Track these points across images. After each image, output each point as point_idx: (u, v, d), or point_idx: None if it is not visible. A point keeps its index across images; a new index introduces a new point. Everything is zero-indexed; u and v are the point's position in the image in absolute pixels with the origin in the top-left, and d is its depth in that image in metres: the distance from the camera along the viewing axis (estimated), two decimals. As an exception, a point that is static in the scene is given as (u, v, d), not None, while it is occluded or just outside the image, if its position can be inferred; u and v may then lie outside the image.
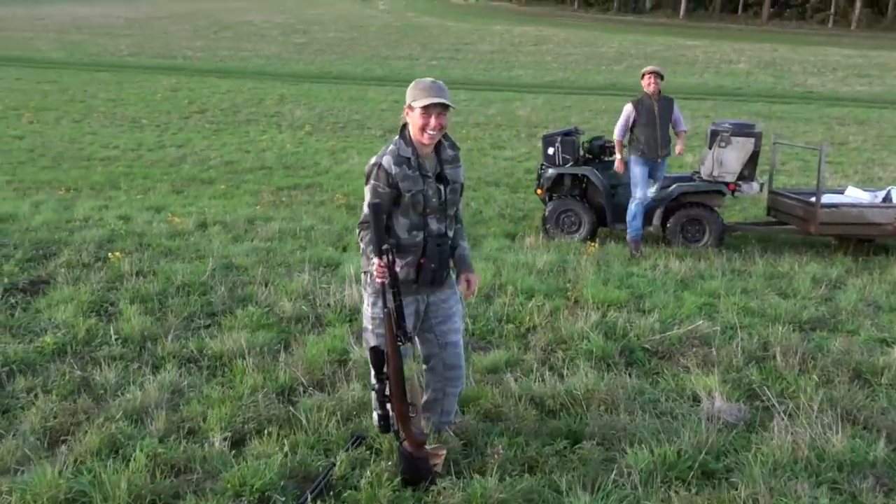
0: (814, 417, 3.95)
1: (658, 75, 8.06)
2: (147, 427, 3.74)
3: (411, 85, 3.43)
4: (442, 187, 3.47)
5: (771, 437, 3.79)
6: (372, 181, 3.42)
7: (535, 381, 4.38)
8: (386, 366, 3.21)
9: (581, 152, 8.88)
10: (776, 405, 4.05)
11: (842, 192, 9.19)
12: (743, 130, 8.54)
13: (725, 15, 71.76)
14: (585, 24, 61.07)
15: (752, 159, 8.51)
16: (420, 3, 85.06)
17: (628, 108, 8.13)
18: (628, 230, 8.15)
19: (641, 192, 8.11)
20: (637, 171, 8.08)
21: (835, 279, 6.95)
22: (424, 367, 3.74)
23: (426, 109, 3.36)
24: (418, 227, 3.45)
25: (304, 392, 4.21)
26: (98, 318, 5.18)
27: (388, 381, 3.21)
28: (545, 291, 6.09)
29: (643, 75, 8.12)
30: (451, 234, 3.57)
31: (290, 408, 3.93)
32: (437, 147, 3.50)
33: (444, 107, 3.38)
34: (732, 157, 8.35)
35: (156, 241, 7.28)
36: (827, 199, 8.45)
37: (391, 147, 3.46)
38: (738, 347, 4.95)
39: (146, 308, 5.41)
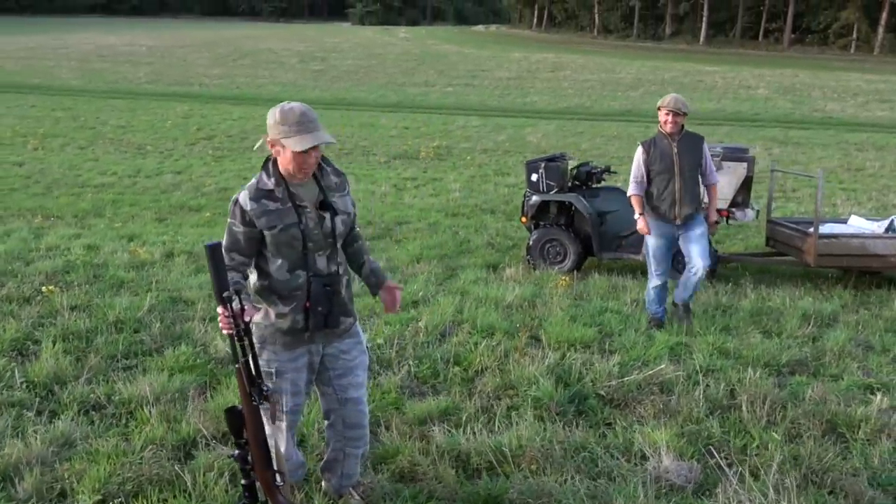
0: (771, 481, 3.49)
1: (676, 113, 5.92)
2: (14, 489, 3.37)
3: (276, 115, 2.92)
4: (328, 216, 3.06)
5: (716, 504, 3.33)
6: (229, 219, 3.03)
7: (464, 435, 3.96)
8: (245, 430, 2.81)
9: (567, 179, 8.49)
10: (726, 467, 3.59)
11: (845, 222, 8.69)
12: (735, 155, 8.12)
13: (746, 41, 71.13)
14: (604, 51, 60.84)
15: (746, 185, 8.08)
16: (440, 32, 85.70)
17: (638, 153, 6.16)
18: (647, 311, 6.28)
19: (657, 269, 6.12)
20: (651, 242, 6.12)
21: (827, 316, 6.45)
22: (326, 422, 3.34)
23: (303, 152, 2.92)
24: (301, 266, 3.03)
25: (207, 445, 3.82)
26: (12, 359, 4.85)
27: (248, 447, 2.81)
28: (506, 329, 5.68)
29: (658, 108, 6.13)
30: (343, 272, 3.18)
31: (177, 466, 3.54)
32: (317, 173, 3.10)
33: None
34: (724, 182, 7.89)
35: (111, 272, 6.98)
36: (827, 228, 7.96)
37: (252, 181, 3.04)
38: (701, 395, 4.49)
39: (71, 347, 5.07)
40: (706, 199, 6.44)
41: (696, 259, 6.04)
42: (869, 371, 5.23)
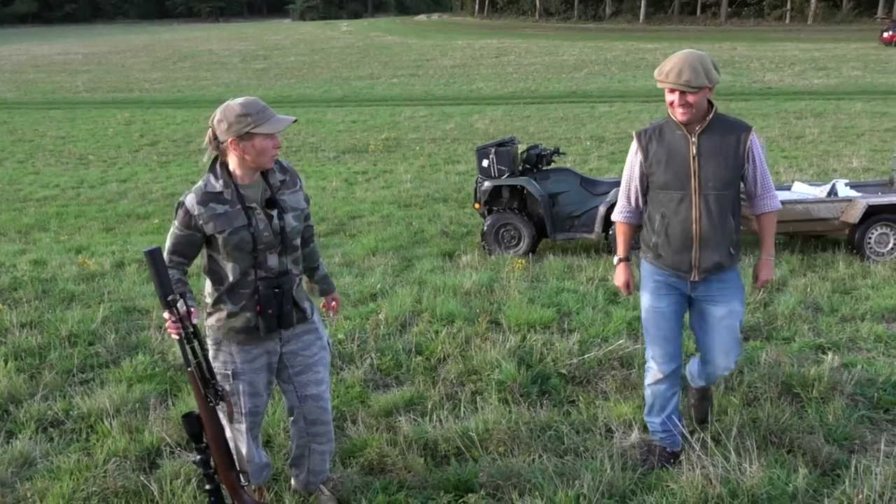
0: (732, 444, 3.58)
1: (686, 90, 3.35)
2: (-27, 511, 3.30)
3: (237, 109, 2.87)
4: (276, 215, 3.02)
5: (681, 472, 3.41)
6: (174, 221, 2.99)
7: (430, 423, 3.98)
8: (204, 434, 2.79)
9: (518, 162, 8.54)
10: (688, 435, 3.67)
11: (789, 188, 8.90)
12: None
13: (685, 17, 72.22)
14: (547, 34, 61.16)
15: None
16: (383, 23, 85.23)
17: (631, 153, 3.67)
18: (649, 426, 3.83)
19: (655, 353, 3.68)
20: (644, 305, 3.71)
21: (776, 281, 6.61)
22: (290, 419, 3.32)
23: (273, 135, 2.92)
24: (251, 268, 2.99)
25: (171, 453, 3.78)
26: (-38, 381, 4.72)
27: (209, 451, 2.79)
28: (466, 315, 5.70)
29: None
30: (297, 270, 3.15)
31: (142, 476, 3.49)
32: (264, 171, 3.06)
33: None
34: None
35: (60, 286, 6.82)
36: (772, 196, 8.14)
37: (199, 184, 2.99)
38: (660, 367, 4.56)
39: (24, 364, 4.96)
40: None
41: (718, 357, 3.65)
42: (819, 332, 5.38)
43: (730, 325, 3.59)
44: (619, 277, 3.87)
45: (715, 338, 3.63)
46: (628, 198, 3.72)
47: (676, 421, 3.69)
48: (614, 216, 3.83)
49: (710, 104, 3.49)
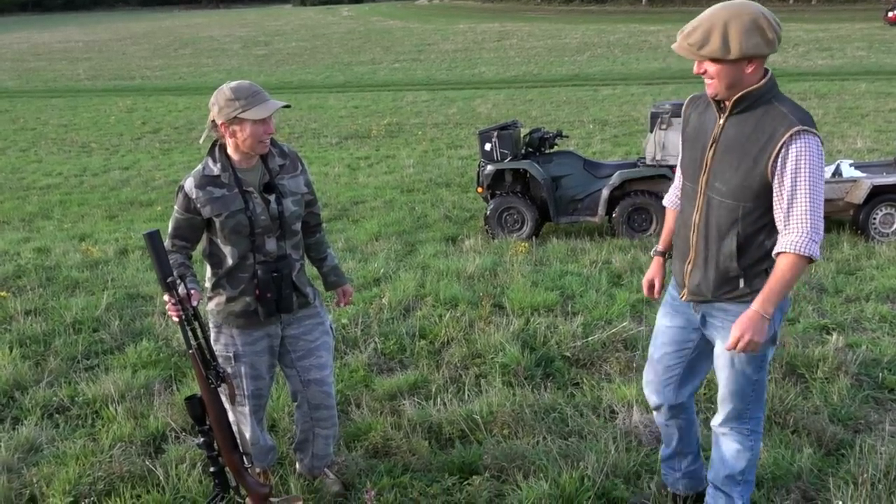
0: (736, 425, 3.57)
1: (693, 57, 2.53)
2: (-19, 497, 3.31)
3: (226, 93, 2.83)
4: (273, 199, 3.00)
5: (685, 453, 3.40)
6: (174, 206, 2.99)
7: (435, 406, 3.98)
8: (206, 416, 2.79)
9: (520, 146, 8.51)
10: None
11: (793, 170, 8.86)
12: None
13: (688, -2, 71.81)
14: (549, 17, 60.86)
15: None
16: (384, 7, 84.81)
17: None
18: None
19: (644, 377, 3.14)
20: (658, 313, 3.04)
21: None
22: (294, 404, 3.33)
23: (265, 120, 2.87)
24: (249, 251, 2.98)
25: (176, 438, 3.79)
26: (-32, 368, 4.74)
27: (213, 433, 2.80)
28: (470, 299, 5.70)
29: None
30: (297, 255, 3.13)
31: (148, 461, 3.51)
32: (264, 155, 3.03)
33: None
34: (674, 138, 8.00)
35: (64, 273, 6.84)
36: (776, 177, 8.10)
37: (198, 167, 2.98)
38: (664, 349, 4.56)
39: (29, 351, 4.97)
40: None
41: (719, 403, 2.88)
42: (824, 312, 5.36)
43: (732, 363, 2.69)
44: (649, 270, 3.10)
45: (719, 378, 2.80)
46: (678, 175, 2.94)
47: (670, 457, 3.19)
48: (665, 199, 3.11)
49: (765, 77, 2.53)
